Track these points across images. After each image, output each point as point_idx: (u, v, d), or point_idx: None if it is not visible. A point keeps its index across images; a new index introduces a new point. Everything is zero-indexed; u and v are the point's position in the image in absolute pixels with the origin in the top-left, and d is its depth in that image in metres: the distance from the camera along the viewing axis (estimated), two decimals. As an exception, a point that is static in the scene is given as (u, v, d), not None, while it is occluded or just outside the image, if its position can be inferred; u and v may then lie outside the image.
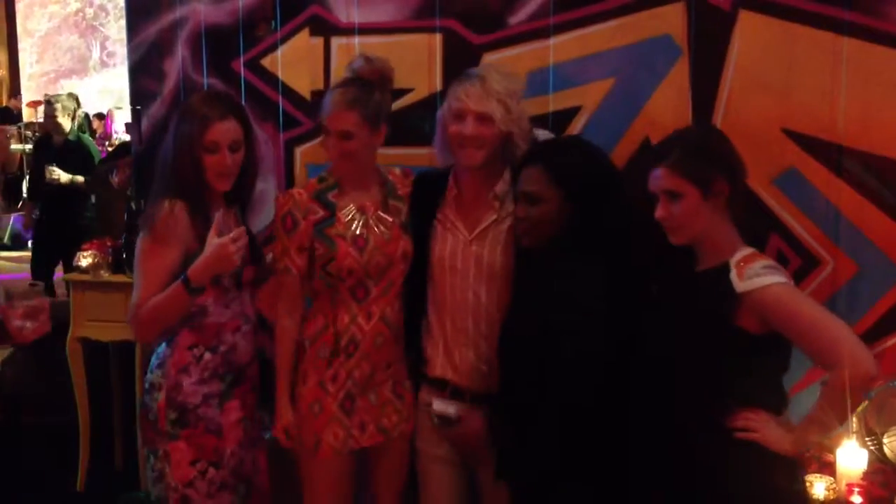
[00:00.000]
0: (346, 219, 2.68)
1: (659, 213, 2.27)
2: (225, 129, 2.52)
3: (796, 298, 2.19)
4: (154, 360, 2.64)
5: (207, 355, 2.61)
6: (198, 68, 3.54)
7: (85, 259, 3.89)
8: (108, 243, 3.95)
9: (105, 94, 14.65)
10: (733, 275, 2.19)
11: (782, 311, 2.16)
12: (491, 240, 2.63)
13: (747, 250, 2.24)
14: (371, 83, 2.66)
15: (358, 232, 2.67)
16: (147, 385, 2.64)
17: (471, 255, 2.65)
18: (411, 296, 2.76)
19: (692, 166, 2.22)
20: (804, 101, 2.85)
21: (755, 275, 2.17)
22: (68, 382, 4.09)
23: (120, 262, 3.84)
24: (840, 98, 2.81)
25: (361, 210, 2.70)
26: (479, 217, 2.65)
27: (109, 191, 4.08)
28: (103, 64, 15.88)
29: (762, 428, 2.21)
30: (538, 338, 2.38)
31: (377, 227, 2.70)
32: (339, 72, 3.27)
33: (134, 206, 3.72)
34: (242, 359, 2.69)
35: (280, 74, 3.46)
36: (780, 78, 2.86)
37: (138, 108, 3.61)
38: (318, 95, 3.34)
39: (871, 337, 2.84)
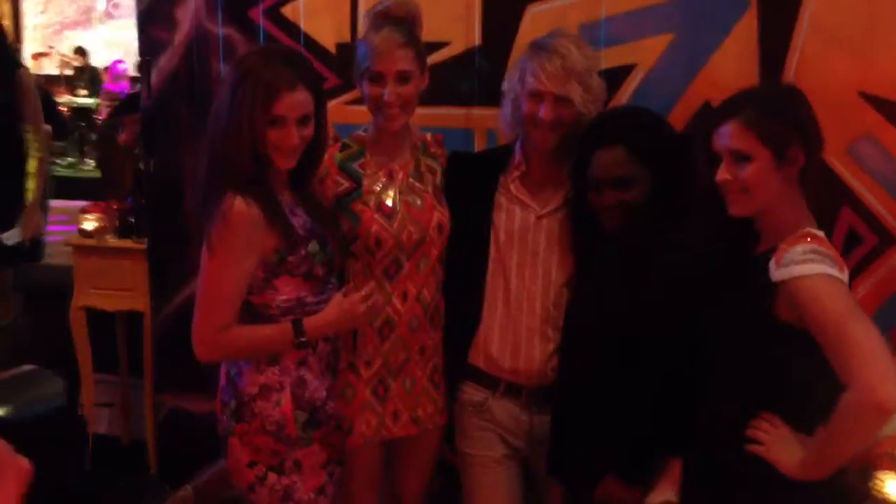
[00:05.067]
0: (374, 188, 2.44)
1: (721, 175, 2.00)
2: (294, 102, 2.14)
3: (829, 296, 1.85)
4: (248, 363, 2.27)
5: (321, 344, 2.31)
6: (212, 17, 3.25)
7: (89, 222, 3.65)
8: (115, 206, 3.72)
9: (112, 45, 14.36)
10: (773, 260, 1.93)
11: (810, 308, 1.86)
12: (560, 218, 2.44)
13: (804, 231, 1.95)
14: (410, 22, 2.40)
15: (385, 199, 2.43)
16: (255, 391, 2.25)
17: (542, 229, 2.45)
18: (456, 277, 2.53)
19: (768, 126, 1.96)
20: (884, 61, 2.57)
21: (791, 262, 1.89)
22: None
23: (127, 226, 3.62)
24: (925, 59, 2.54)
25: (390, 177, 2.46)
26: (551, 194, 2.46)
27: (115, 149, 3.84)
28: (108, 15, 15.60)
29: (771, 443, 1.96)
30: (629, 316, 2.21)
31: (408, 196, 2.46)
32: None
33: (142, 166, 3.47)
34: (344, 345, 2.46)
35: (303, 25, 3.15)
36: (859, 36, 2.58)
37: (148, 59, 3.33)
38: (343, 49, 3.07)
39: (952, 321, 2.61)
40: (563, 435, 2.43)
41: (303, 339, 2.22)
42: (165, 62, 3.35)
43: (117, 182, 3.85)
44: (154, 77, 3.35)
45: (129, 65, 10.46)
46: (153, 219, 3.50)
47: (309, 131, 2.21)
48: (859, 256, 2.67)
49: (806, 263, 1.88)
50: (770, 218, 2.02)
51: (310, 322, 2.23)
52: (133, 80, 9.87)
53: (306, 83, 2.19)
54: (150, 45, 3.39)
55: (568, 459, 2.43)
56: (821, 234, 1.98)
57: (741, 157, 1.97)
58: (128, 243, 3.67)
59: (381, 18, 2.40)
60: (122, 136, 3.73)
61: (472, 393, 2.55)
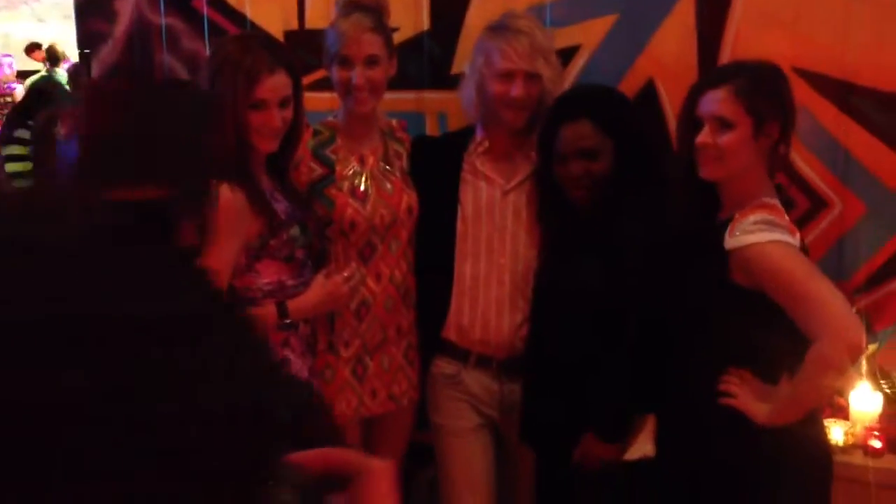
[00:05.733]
0: (346, 173, 2.49)
1: (703, 138, 2.11)
2: (275, 85, 2.20)
3: (782, 260, 2.01)
4: None
5: (301, 325, 2.35)
6: (154, 6, 3.22)
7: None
8: (53, 202, 3.63)
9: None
10: (728, 228, 2.07)
11: (766, 274, 2.01)
12: (527, 191, 2.52)
13: (759, 201, 2.09)
14: (378, 10, 2.46)
15: (358, 184, 2.48)
16: None
17: (508, 204, 2.53)
18: (426, 255, 2.61)
19: (756, 98, 2.08)
20: (814, 37, 2.72)
21: (743, 231, 2.03)
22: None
23: (69, 221, 3.54)
24: (852, 34, 2.70)
25: (362, 162, 2.51)
26: (515, 168, 2.54)
27: (51, 144, 3.73)
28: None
29: (742, 395, 2.11)
30: (601, 283, 2.30)
31: (379, 180, 2.52)
32: (314, 10, 3.03)
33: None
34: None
35: (248, 13, 3.16)
36: (790, 13, 2.73)
37: (87, 51, 3.28)
38: (291, 36, 3.09)
39: (879, 278, 2.79)
40: (535, 401, 2.53)
41: (287, 321, 2.26)
42: (106, 54, 3.31)
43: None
44: (95, 69, 3.30)
45: (14, 59, 10.09)
46: (98, 213, 3.44)
47: (289, 114, 2.26)
48: (793, 220, 2.83)
49: (755, 233, 2.02)
50: (733, 186, 2.15)
51: (294, 304, 2.28)
52: (20, 74, 9.53)
53: (285, 66, 2.24)
54: (89, 37, 3.34)
55: (539, 424, 2.53)
56: (775, 202, 2.12)
57: (724, 124, 2.09)
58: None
59: (351, 6, 2.45)
60: (61, 130, 3.63)
61: (444, 366, 2.62)
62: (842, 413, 2.75)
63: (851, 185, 2.79)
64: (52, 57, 7.35)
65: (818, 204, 2.82)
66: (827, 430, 2.65)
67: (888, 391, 2.74)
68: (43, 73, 7.88)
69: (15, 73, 9.43)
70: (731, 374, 2.12)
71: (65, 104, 3.72)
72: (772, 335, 2.06)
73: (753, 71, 2.17)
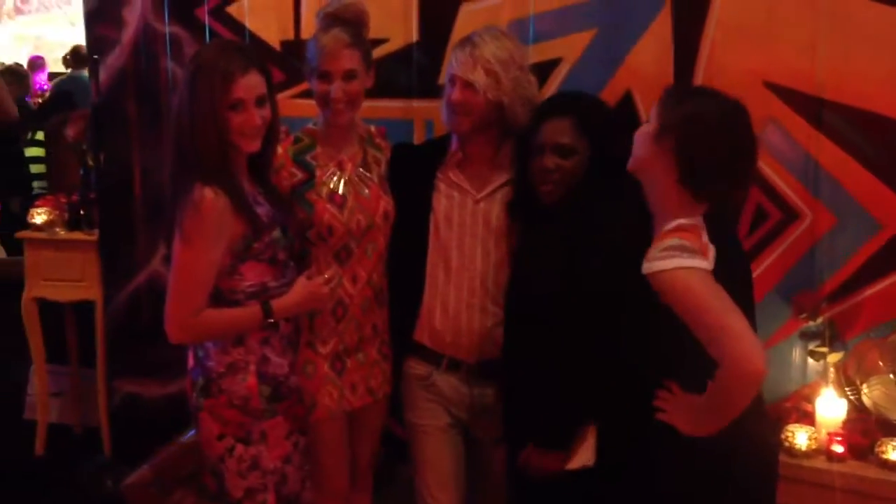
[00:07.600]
0: (325, 178, 2.61)
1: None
2: (249, 84, 2.28)
3: (689, 286, 2.04)
4: (215, 344, 2.40)
5: (282, 324, 2.45)
6: (159, 16, 3.39)
7: (39, 216, 3.74)
8: (63, 199, 3.80)
9: (20, 40, 14.04)
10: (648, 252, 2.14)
11: (674, 298, 2.06)
12: (499, 200, 2.61)
13: (673, 225, 2.13)
14: (358, 24, 2.57)
15: (336, 189, 2.61)
16: (222, 370, 2.39)
17: (479, 213, 2.62)
18: (399, 260, 2.71)
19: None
20: (784, 53, 2.81)
21: (653, 258, 2.09)
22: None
23: (77, 218, 3.71)
24: (820, 50, 2.79)
25: (340, 168, 2.63)
26: (487, 178, 2.63)
27: (62, 145, 3.91)
28: (18, 11, 15.23)
29: (671, 409, 2.17)
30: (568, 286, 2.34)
31: (357, 186, 2.64)
32: (310, 20, 3.17)
33: (91, 162, 3.57)
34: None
35: (247, 23, 3.32)
36: (761, 29, 2.82)
37: (96, 57, 3.44)
38: (287, 45, 3.23)
39: (849, 288, 2.87)
40: (513, 403, 2.58)
41: (271, 320, 2.38)
42: (114, 60, 3.46)
43: (64, 176, 3.94)
44: (103, 74, 3.46)
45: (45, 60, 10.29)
46: (104, 211, 3.62)
47: (267, 112, 2.35)
48: (765, 231, 2.92)
49: (663, 259, 2.07)
50: (656, 211, 2.21)
51: (278, 303, 2.38)
52: (51, 75, 9.74)
53: (257, 67, 2.34)
54: (98, 43, 3.51)
55: (519, 426, 2.57)
56: (693, 222, 2.14)
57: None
58: (78, 235, 3.74)
59: (331, 20, 2.56)
60: (70, 132, 3.81)
61: (417, 367, 2.72)
62: (808, 419, 2.83)
63: (822, 197, 2.87)
64: (77, 58, 7.30)
65: (790, 215, 2.90)
66: (776, 430, 2.74)
67: (852, 398, 2.81)
68: (68, 74, 7.97)
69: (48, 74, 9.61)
70: (664, 390, 2.19)
71: (80, 106, 3.87)
72: (699, 349, 2.08)
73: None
